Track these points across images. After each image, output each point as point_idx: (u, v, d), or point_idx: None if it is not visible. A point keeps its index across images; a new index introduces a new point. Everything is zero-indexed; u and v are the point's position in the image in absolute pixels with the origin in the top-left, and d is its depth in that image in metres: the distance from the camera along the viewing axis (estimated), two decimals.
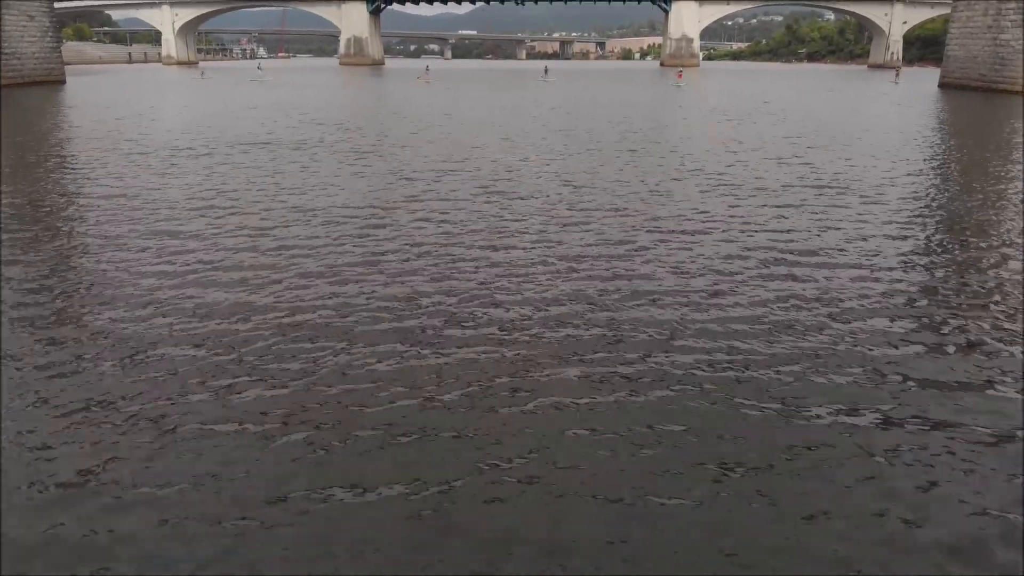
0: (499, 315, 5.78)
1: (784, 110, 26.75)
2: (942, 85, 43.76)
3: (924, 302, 6.22)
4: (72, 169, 12.92)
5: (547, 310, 5.89)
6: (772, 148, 15.73)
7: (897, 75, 50.12)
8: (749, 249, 7.69)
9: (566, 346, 5.16)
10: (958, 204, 10.26)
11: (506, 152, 15.01)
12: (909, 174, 12.87)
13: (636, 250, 7.63)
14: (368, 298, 6.13)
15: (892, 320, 5.74)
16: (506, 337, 5.34)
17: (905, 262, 7.38)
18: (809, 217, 9.22)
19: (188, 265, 7.02)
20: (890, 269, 7.06)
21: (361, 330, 5.46)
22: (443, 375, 4.68)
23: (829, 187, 11.21)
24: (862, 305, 6.04)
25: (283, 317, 5.64)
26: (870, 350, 5.12)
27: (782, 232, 8.44)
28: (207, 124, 20.94)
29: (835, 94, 38.22)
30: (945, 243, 8.27)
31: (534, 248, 7.72)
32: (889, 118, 23.84)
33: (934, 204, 10.32)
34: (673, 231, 8.46)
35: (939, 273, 7.07)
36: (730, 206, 9.85)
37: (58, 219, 9.07)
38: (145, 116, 23.27)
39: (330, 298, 6.12)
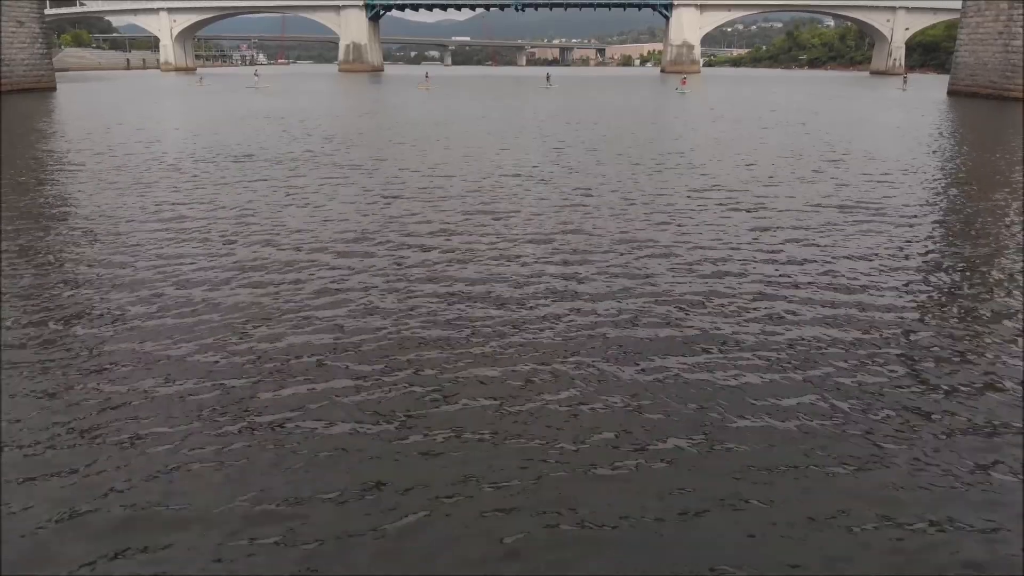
0: (490, 376, 4.72)
1: (796, 119, 25.74)
2: (951, 92, 42.79)
3: (974, 356, 5.15)
4: (33, 183, 11.88)
5: (549, 368, 4.83)
6: (791, 161, 14.69)
7: (905, 82, 49.16)
8: (779, 287, 6.63)
9: (571, 418, 4.10)
10: (1003, 232, 9.20)
11: (504, 167, 13.97)
12: (939, 193, 11.84)
13: (648, 286, 6.57)
14: (335, 344, 5.08)
15: (943, 386, 4.68)
16: (498, 408, 4.28)
17: (962, 309, 6.31)
18: (843, 245, 8.15)
19: (129, 306, 5.97)
20: (942, 318, 6.00)
21: (326, 385, 4.44)
22: (414, 452, 3.62)
23: (858, 208, 10.15)
24: (907, 364, 4.98)
25: (231, 368, 4.58)
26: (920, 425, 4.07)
27: (814, 263, 7.38)
28: (190, 135, 19.94)
29: (844, 101, 37.27)
30: (1000, 282, 7.20)
31: (533, 284, 6.66)
32: (906, 128, 22.80)
33: (978, 232, 9.25)
34: (692, 265, 7.39)
35: (993, 324, 6.01)
36: (751, 229, 8.79)
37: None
38: (128, 126, 22.27)
39: (291, 344, 5.06)
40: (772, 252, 7.83)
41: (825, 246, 8.11)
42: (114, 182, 12.10)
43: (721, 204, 10.33)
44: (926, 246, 8.29)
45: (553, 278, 6.88)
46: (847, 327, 5.67)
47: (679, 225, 9.08)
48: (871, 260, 7.58)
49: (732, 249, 7.93)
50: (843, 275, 7.02)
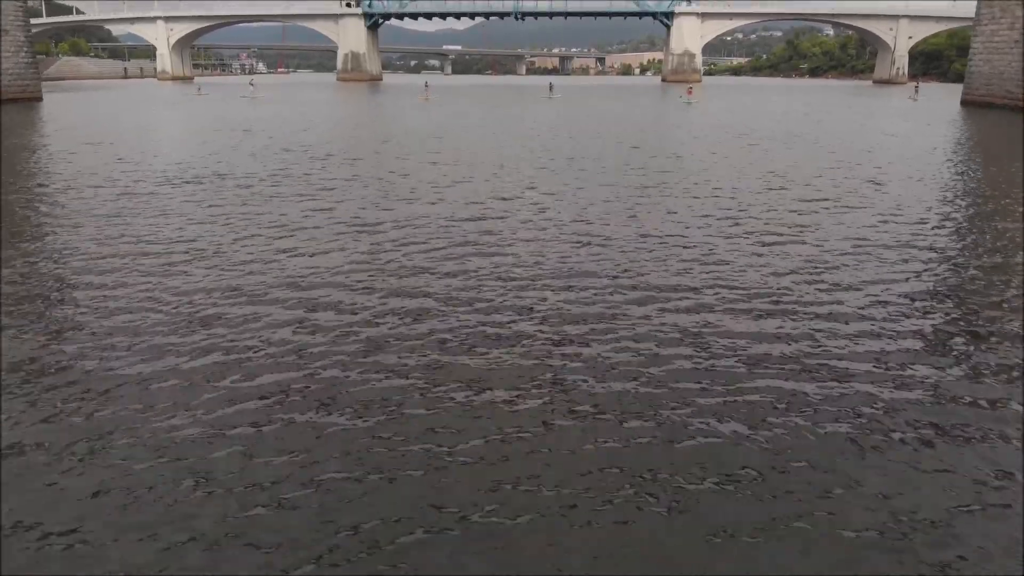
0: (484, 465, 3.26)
1: (812, 132, 24.33)
2: (964, 102, 41.46)
3: None
4: None
5: (556, 456, 3.37)
6: (819, 184, 13.12)
7: (916, 91, 47.77)
8: (841, 358, 5.18)
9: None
10: None
11: (501, 189, 12.50)
12: (999, 228, 10.38)
13: (677, 350, 5.11)
14: (285, 428, 3.61)
15: None
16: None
17: None
18: (905, 295, 6.68)
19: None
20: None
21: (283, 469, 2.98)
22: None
23: (911, 245, 8.67)
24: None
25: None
26: None
27: (875, 320, 5.92)
28: (163, 150, 18.57)
29: (858, 113, 35.88)
30: None
31: (530, 344, 5.19)
32: (932, 144, 21.24)
33: None
34: (730, 326, 5.91)
35: None
36: (791, 272, 7.32)
37: None
38: (104, 140, 20.88)
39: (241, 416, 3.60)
40: (823, 304, 6.36)
41: (889, 300, 6.63)
42: (55, 203, 10.64)
43: (756, 243, 8.83)
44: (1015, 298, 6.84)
45: (559, 342, 5.40)
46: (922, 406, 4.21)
47: (705, 265, 7.60)
48: (938, 311, 6.12)
49: (773, 303, 6.44)
50: (919, 339, 5.56)
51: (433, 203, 11.08)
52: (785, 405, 4.51)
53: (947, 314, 6.27)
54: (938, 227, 9.71)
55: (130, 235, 8.86)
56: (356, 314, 6.07)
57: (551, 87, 51.56)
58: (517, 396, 4.60)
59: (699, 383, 4.80)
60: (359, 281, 6.98)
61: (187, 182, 13.00)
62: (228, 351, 5.26)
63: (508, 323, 5.88)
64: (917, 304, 6.47)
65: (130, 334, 5.59)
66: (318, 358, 5.15)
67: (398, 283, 6.93)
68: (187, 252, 8.04)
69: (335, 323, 5.85)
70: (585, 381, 4.81)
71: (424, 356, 5.21)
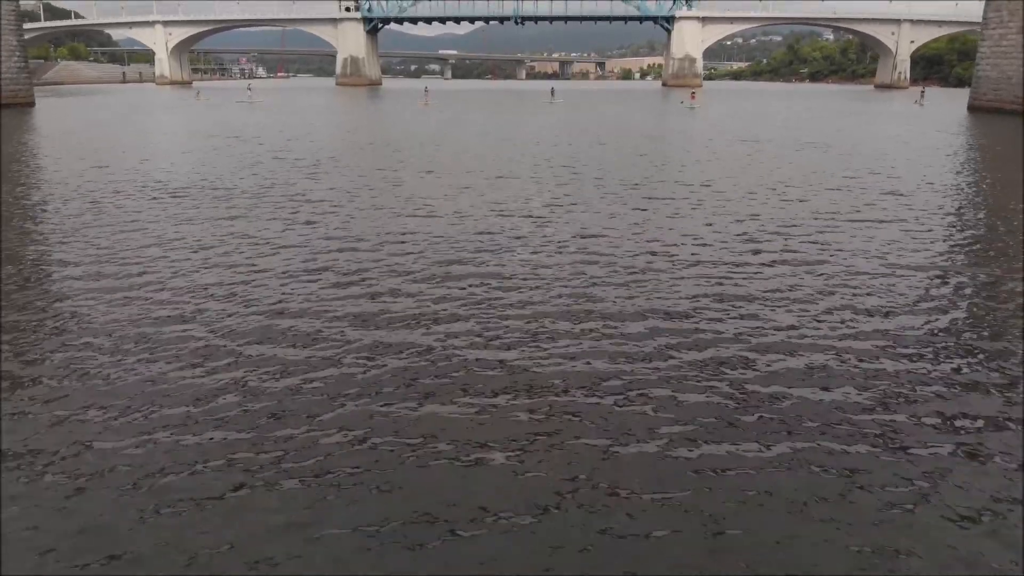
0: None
1: (821, 139, 23.61)
2: (972, 108, 40.80)
3: None
4: None
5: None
6: (837, 196, 12.32)
7: (922, 96, 47.11)
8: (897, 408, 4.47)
9: None
10: None
11: (501, 203, 11.77)
12: None
13: (685, 397, 4.40)
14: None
15: None
16: None
17: None
18: (945, 330, 5.96)
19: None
20: None
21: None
22: None
23: (941, 267, 7.96)
24: None
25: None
26: None
27: (907, 359, 5.20)
28: (148, 158, 17.86)
29: (865, 119, 35.22)
30: None
31: (531, 392, 4.48)
32: (945, 153, 20.52)
33: None
34: (748, 375, 5.19)
35: None
36: (815, 301, 6.60)
37: None
38: (89, 145, 20.24)
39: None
40: (859, 339, 5.64)
41: (928, 336, 5.91)
42: (14, 227, 9.94)
43: (778, 263, 8.12)
44: None
45: (563, 389, 4.68)
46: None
47: (721, 287, 6.87)
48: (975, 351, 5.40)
49: (803, 338, 5.71)
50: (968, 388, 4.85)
51: (427, 217, 10.37)
52: (836, 474, 3.78)
53: (994, 354, 5.56)
54: (969, 246, 9.01)
55: (89, 255, 8.12)
56: (328, 351, 5.34)
57: (552, 92, 51.01)
58: (515, 461, 3.87)
59: (729, 447, 4.07)
60: (337, 311, 6.25)
61: (167, 194, 12.28)
62: (175, 397, 4.53)
63: (505, 364, 5.16)
64: (963, 340, 5.75)
65: (58, 378, 4.87)
66: (279, 407, 4.42)
67: (382, 311, 6.21)
68: (147, 275, 7.31)
69: (303, 361, 5.12)
70: (596, 444, 4.08)
71: (406, 404, 4.49)
